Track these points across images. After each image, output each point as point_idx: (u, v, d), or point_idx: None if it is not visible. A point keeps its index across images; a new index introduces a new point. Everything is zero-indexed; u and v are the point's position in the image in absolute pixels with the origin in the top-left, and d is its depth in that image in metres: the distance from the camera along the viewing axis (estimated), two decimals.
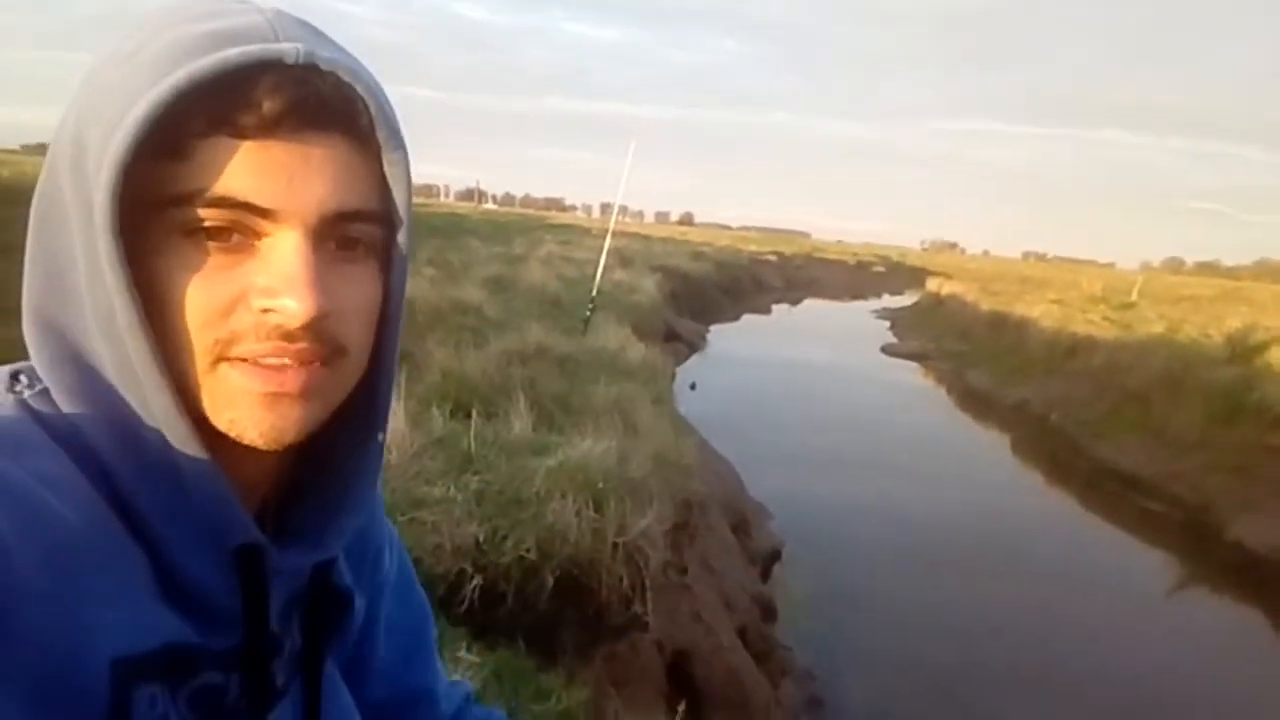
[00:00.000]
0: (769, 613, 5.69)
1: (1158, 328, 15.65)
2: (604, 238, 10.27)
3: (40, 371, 0.51)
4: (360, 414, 0.58)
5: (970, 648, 5.98)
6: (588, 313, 8.65)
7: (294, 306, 0.48)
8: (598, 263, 9.68)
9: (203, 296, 0.48)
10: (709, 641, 3.87)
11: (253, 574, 0.54)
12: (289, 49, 0.47)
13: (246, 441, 0.50)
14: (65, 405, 0.50)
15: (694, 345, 15.99)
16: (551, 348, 6.34)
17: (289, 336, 0.49)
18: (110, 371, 0.49)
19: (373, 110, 0.50)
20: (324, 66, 0.48)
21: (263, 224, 0.48)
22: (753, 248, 49.54)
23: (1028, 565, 7.60)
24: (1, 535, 0.42)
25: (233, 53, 0.45)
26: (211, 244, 0.48)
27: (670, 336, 13.80)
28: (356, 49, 0.53)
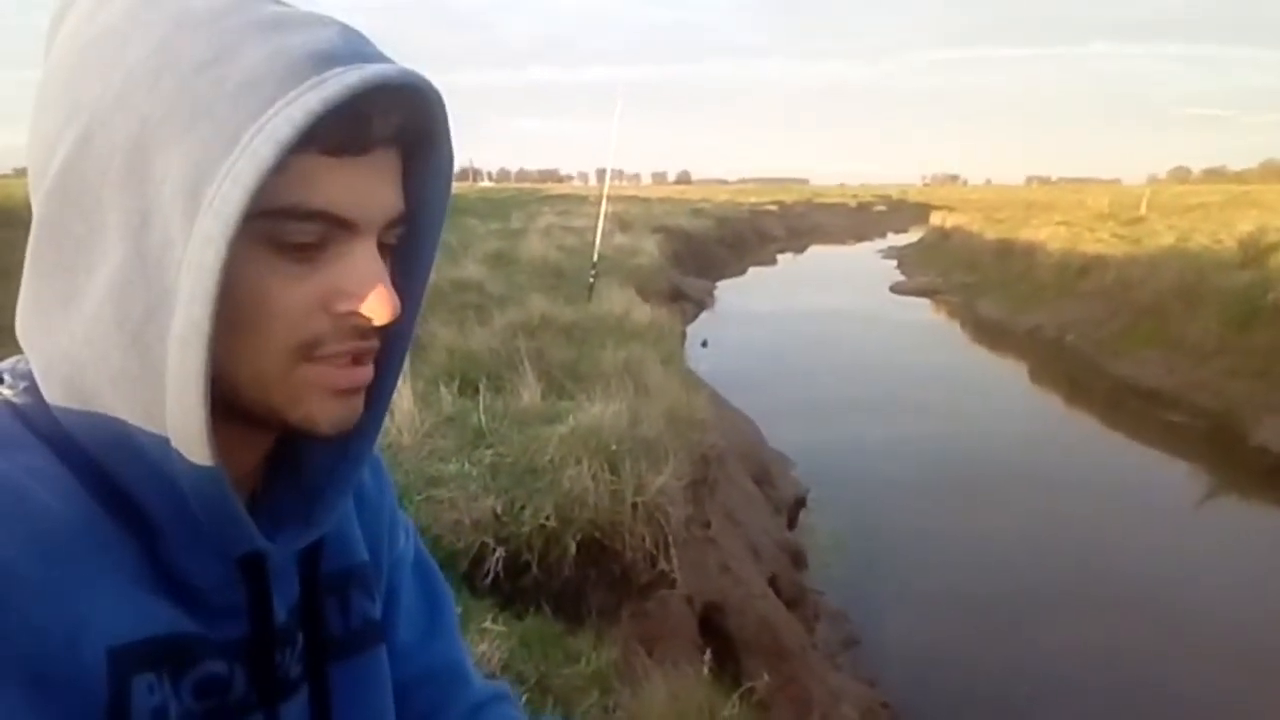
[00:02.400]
0: (798, 559, 5.71)
1: (1168, 239, 15.44)
2: (601, 204, 10.19)
3: (34, 369, 0.50)
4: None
5: (1003, 574, 5.99)
6: (590, 279, 8.61)
7: (380, 311, 0.50)
8: (596, 229, 9.61)
9: (285, 303, 0.49)
10: (739, 592, 3.87)
11: (256, 577, 0.54)
12: (393, 72, 0.48)
13: (319, 432, 0.52)
14: (57, 402, 0.49)
15: (701, 303, 15.93)
16: (556, 317, 6.32)
17: (365, 335, 0.52)
18: (117, 378, 0.47)
19: (447, 122, 0.53)
20: (420, 85, 0.50)
21: (341, 233, 0.50)
22: (753, 199, 49.15)
23: (1054, 488, 7.59)
24: None
25: (351, 79, 0.46)
26: (287, 251, 0.49)
27: (676, 296, 13.73)
28: None
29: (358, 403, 0.54)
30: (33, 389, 0.50)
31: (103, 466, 0.49)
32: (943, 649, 5.08)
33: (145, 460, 0.48)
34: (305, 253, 0.49)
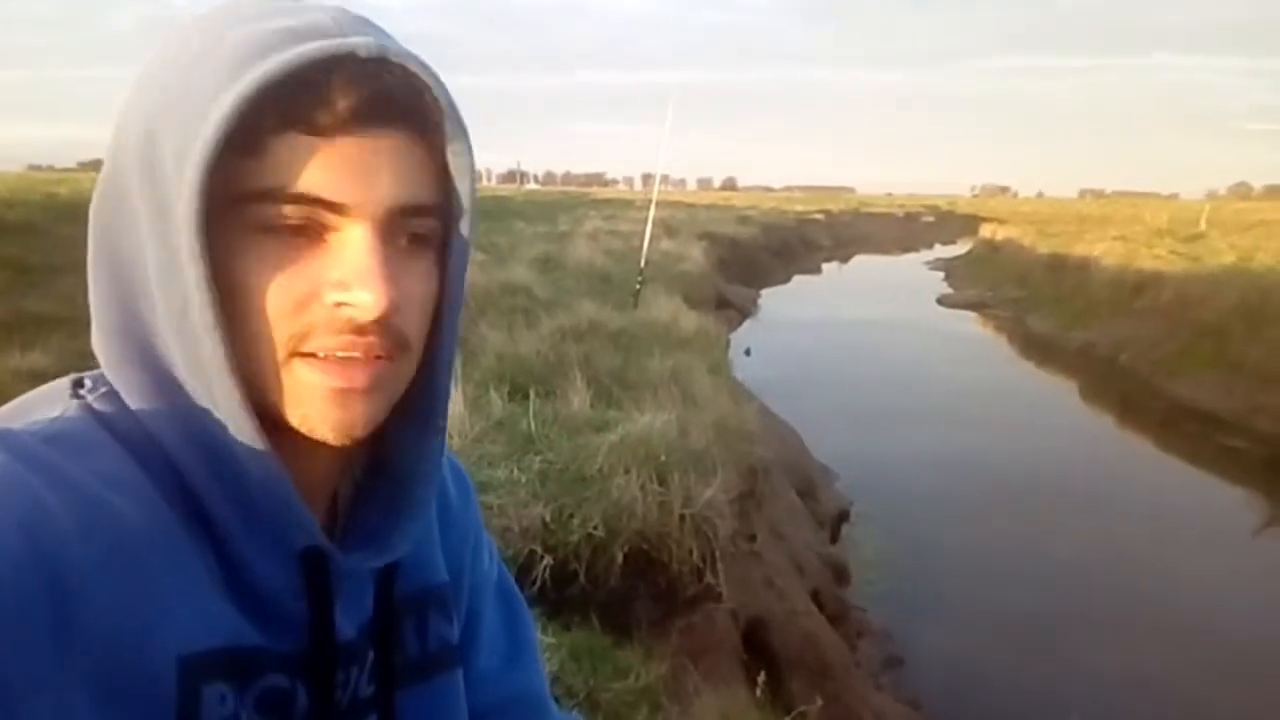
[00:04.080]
0: (841, 574, 5.64)
1: (1229, 257, 15.06)
2: (647, 209, 10.19)
3: (108, 373, 0.51)
4: (417, 410, 0.58)
5: (1049, 596, 5.86)
6: (637, 286, 8.61)
7: (368, 300, 0.48)
8: (643, 235, 9.61)
9: (277, 291, 0.48)
10: (783, 607, 3.83)
11: (317, 578, 0.53)
12: (361, 43, 0.46)
13: (318, 436, 0.50)
14: (133, 405, 0.50)
15: (746, 311, 15.86)
16: (604, 323, 6.33)
17: (360, 330, 0.49)
18: (180, 370, 0.49)
19: (442, 102, 0.50)
20: (394, 59, 0.48)
21: (333, 218, 0.48)
22: (799, 207, 48.91)
23: (1104, 510, 7.41)
24: (64, 533, 0.41)
25: (309, 48, 0.45)
26: (285, 240, 0.48)
27: (721, 303, 13.69)
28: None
29: (362, 406, 0.51)
30: (114, 394, 0.51)
31: (178, 468, 0.49)
32: (987, 671, 4.98)
33: (211, 450, 0.49)
34: (297, 238, 0.48)
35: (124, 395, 0.50)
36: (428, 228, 0.53)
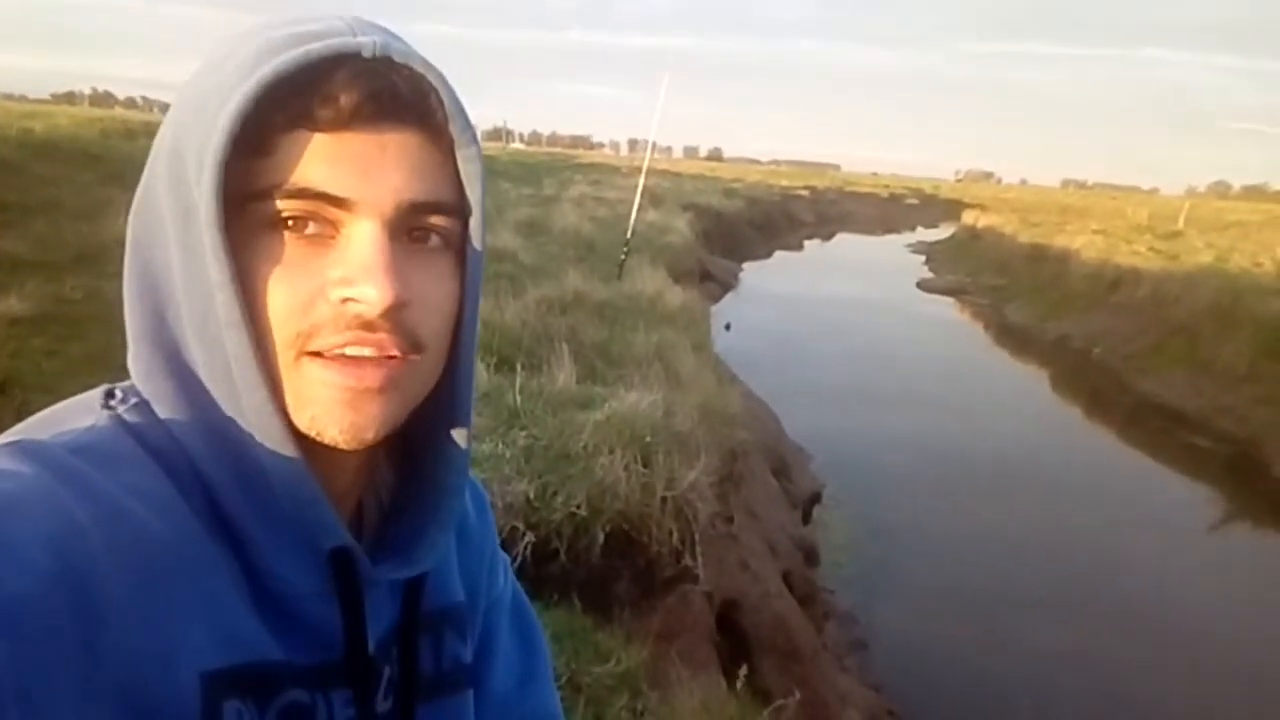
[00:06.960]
0: (811, 556, 5.71)
1: (1206, 257, 15.28)
2: (633, 176, 10.13)
3: (138, 383, 0.51)
4: (443, 419, 0.57)
5: (1012, 581, 6.01)
6: (622, 256, 8.57)
7: (372, 294, 0.47)
8: (630, 203, 9.55)
9: (284, 289, 0.48)
10: (756, 590, 3.88)
11: (346, 579, 0.53)
12: (365, 42, 0.47)
13: (327, 440, 0.50)
14: (163, 414, 0.50)
15: (727, 284, 15.85)
16: (589, 295, 6.30)
17: (368, 326, 0.48)
18: (204, 375, 0.49)
19: (447, 104, 0.50)
20: (398, 59, 0.48)
21: (340, 214, 0.48)
22: (784, 182, 48.80)
23: (1066, 498, 7.59)
24: (92, 548, 0.41)
25: (315, 47, 0.46)
26: (292, 237, 0.48)
27: (704, 276, 13.68)
28: None
29: (374, 408, 0.50)
30: (145, 405, 0.51)
31: (203, 476, 0.49)
32: (949, 655, 5.10)
33: (235, 454, 0.49)
34: (302, 234, 0.48)
35: (154, 404, 0.50)
36: (443, 227, 0.52)
